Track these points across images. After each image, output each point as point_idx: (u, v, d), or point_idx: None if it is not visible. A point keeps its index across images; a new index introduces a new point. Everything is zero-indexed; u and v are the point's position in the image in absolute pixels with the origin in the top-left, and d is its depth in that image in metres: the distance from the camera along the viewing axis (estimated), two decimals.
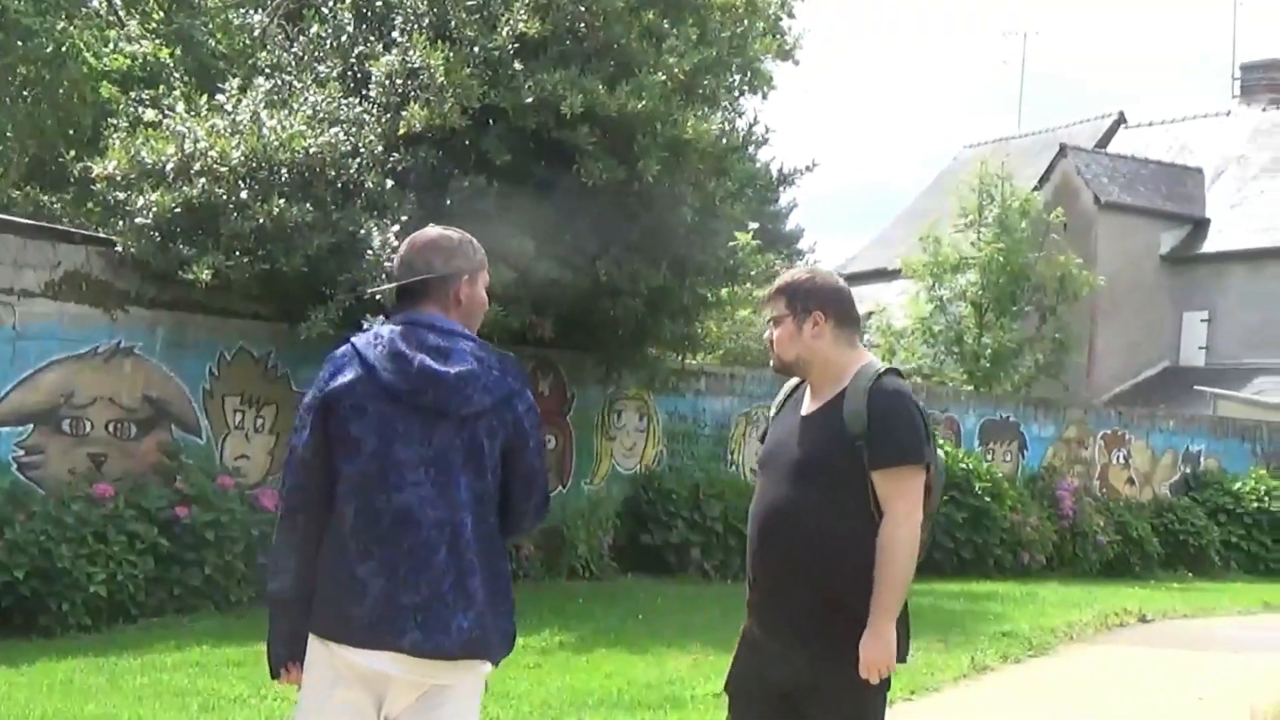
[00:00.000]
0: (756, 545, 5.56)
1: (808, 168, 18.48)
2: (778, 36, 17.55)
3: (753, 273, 19.12)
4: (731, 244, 18.37)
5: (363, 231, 15.14)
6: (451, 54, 15.45)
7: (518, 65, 15.65)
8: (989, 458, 24.08)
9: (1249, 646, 16.09)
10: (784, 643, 5.41)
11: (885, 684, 5.34)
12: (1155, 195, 37.72)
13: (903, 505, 5.26)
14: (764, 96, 18.04)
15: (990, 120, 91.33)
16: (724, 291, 19.30)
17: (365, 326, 5.24)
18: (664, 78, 15.80)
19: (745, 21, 17.21)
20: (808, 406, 5.60)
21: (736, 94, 17.75)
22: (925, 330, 29.42)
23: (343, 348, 4.95)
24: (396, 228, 15.13)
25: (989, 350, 28.63)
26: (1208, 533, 25.73)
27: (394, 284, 5.09)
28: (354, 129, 15.84)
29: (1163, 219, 37.56)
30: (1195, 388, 34.20)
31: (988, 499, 22.14)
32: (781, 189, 20.03)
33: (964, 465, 22.29)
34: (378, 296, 5.14)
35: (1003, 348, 28.51)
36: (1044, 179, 36.64)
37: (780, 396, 5.87)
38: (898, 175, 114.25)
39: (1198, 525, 25.72)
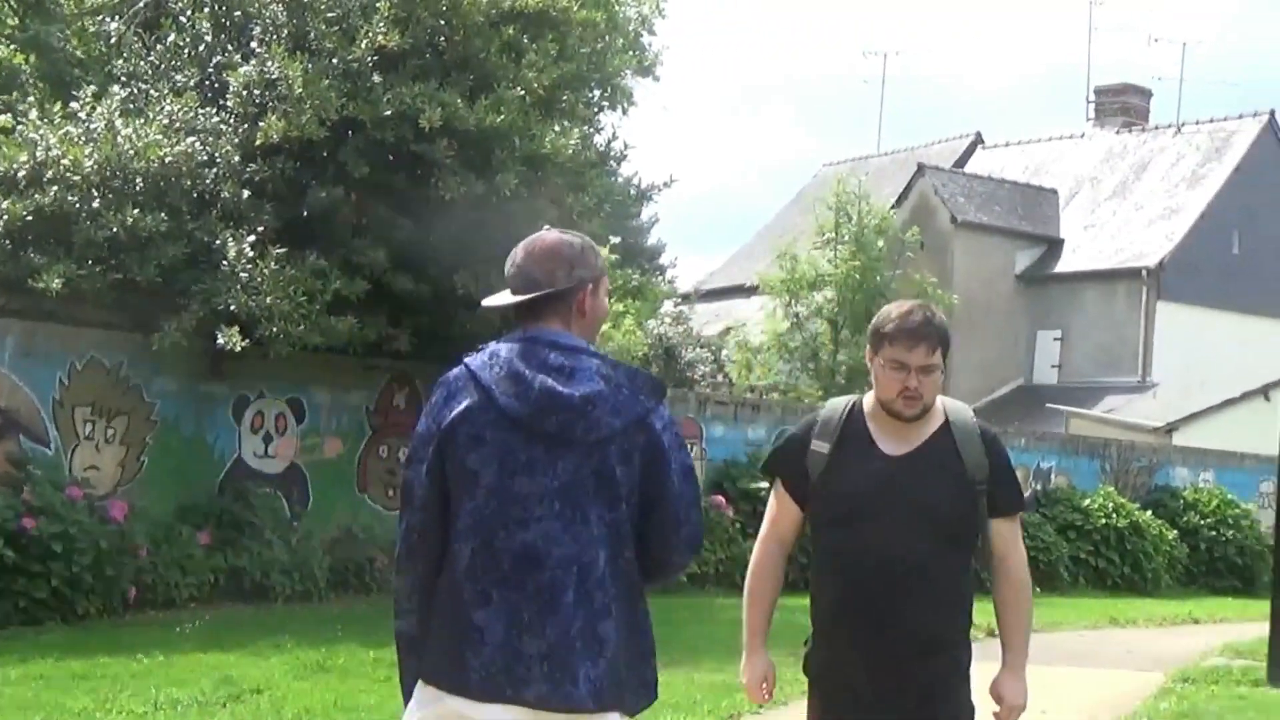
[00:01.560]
0: (862, 595, 5.12)
1: (666, 183, 18.63)
2: (638, 53, 17.65)
3: (613, 286, 19.16)
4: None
5: (218, 242, 15.06)
6: (310, 65, 15.42)
7: (376, 78, 15.66)
8: None
9: (1092, 660, 16.32)
10: (897, 691, 5.12)
11: None
12: (1011, 215, 38.34)
13: (1021, 550, 5.19)
14: (624, 112, 18.19)
15: (852, 139, 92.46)
16: None
17: (479, 346, 4.48)
18: (523, 92, 15.86)
19: (606, 38, 17.32)
20: (897, 447, 5.19)
21: (596, 110, 17.82)
22: (781, 346, 29.66)
23: (455, 370, 4.47)
24: (252, 238, 15.07)
25: (844, 367, 28.91)
26: (1057, 549, 26.03)
27: (515, 299, 4.52)
28: (210, 139, 15.76)
29: (1018, 239, 38.21)
30: (1048, 405, 34.73)
31: None
32: (642, 204, 20.11)
33: None
34: (489, 310, 4.71)
35: (858, 364, 28.75)
36: (902, 198, 37.15)
37: (829, 430, 5.31)
38: (760, 192, 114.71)
39: (1047, 541, 26.01)
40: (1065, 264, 38.15)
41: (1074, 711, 12.34)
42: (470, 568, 4.33)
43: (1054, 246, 38.58)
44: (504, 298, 4.53)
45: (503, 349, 4.42)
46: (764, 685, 5.51)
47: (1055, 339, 37.82)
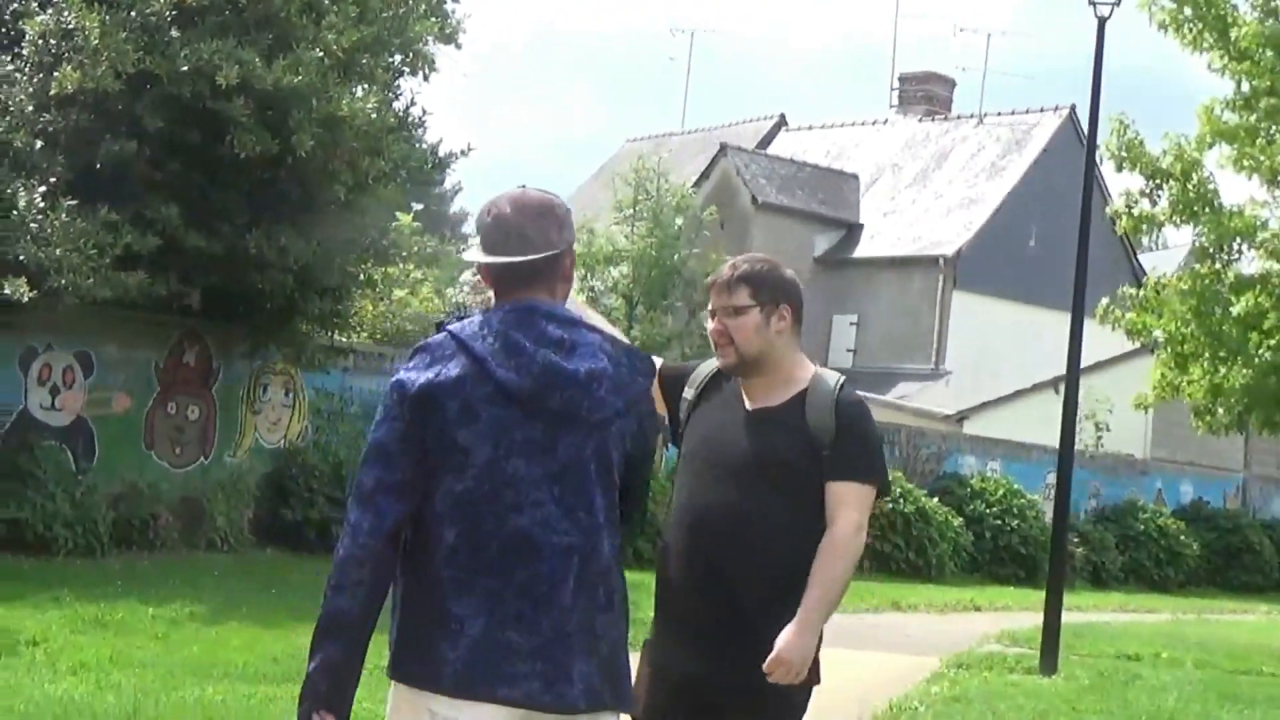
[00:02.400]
0: (695, 543, 5.06)
1: (463, 151, 18.64)
2: (440, 19, 17.67)
3: (410, 252, 19.24)
4: (393, 224, 18.42)
5: (8, 191, 14.89)
6: (107, 17, 15.26)
7: (175, 32, 15.57)
8: None
9: (870, 643, 16.55)
10: (721, 643, 5.04)
11: (807, 690, 5.13)
12: (811, 199, 38.76)
13: (857, 517, 5.00)
14: (425, 78, 18.14)
15: (657, 116, 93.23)
16: (380, 271, 19.36)
17: (459, 314, 4.08)
18: (322, 54, 15.86)
19: (408, 2, 17.32)
20: (752, 404, 5.16)
21: (396, 74, 17.84)
22: None
23: (437, 336, 4.08)
24: (44, 188, 14.94)
25: (638, 342, 29.11)
26: None
27: (514, 259, 4.13)
28: (4, 87, 15.57)
29: (817, 222, 38.61)
30: None
31: None
32: (442, 172, 20.15)
33: None
34: (471, 269, 4.21)
35: (652, 341, 29.01)
36: (704, 176, 37.41)
37: (698, 381, 5.30)
38: (564, 165, 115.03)
39: None
40: (864, 249, 38.59)
41: (846, 694, 12.57)
42: (452, 553, 3.98)
43: (853, 231, 39.05)
44: (478, 255, 4.17)
45: (493, 318, 4.05)
46: None
47: (851, 324, 38.25)
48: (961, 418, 33.57)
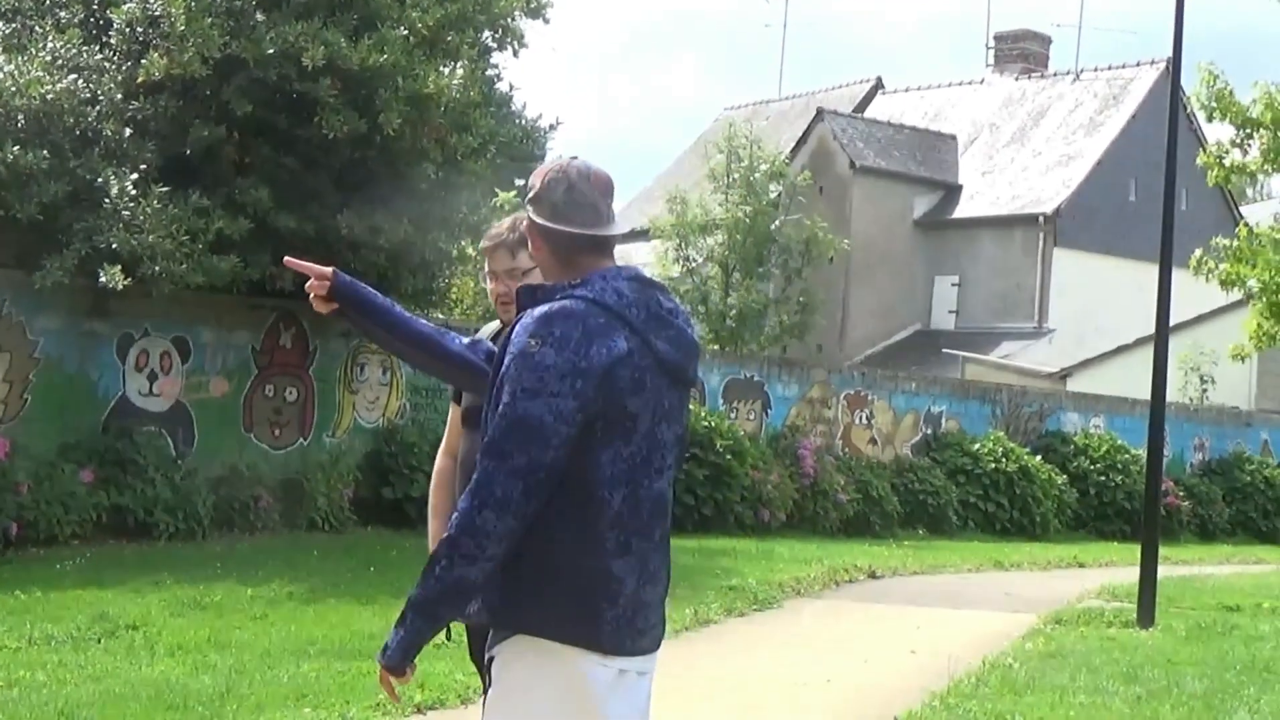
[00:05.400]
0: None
1: (553, 126, 18.63)
2: None
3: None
4: (493, 200, 18.44)
5: (100, 180, 15.03)
6: (193, 3, 15.39)
7: (260, 16, 15.68)
8: (733, 416, 24.44)
9: (968, 603, 16.60)
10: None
11: None
12: (910, 161, 38.56)
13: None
14: (514, 53, 18.14)
15: (754, 83, 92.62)
16: (472, 247, 19.39)
17: (594, 276, 4.15)
18: (407, 32, 15.90)
19: None
20: None
21: (484, 50, 17.83)
22: (672, 290, 29.76)
23: (578, 305, 4.10)
24: (135, 176, 15.06)
25: (734, 311, 29.13)
26: (946, 492, 26.36)
27: (603, 232, 4.26)
28: (93, 76, 15.73)
29: (916, 184, 38.43)
30: (944, 350, 35.07)
31: (729, 457, 22.47)
32: (532, 146, 20.14)
33: (706, 424, 22.61)
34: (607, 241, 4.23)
35: (748, 308, 28.98)
36: (801, 142, 37.35)
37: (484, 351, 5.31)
38: (664, 137, 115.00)
39: (936, 485, 26.35)
40: (963, 210, 38.41)
41: (941, 652, 12.56)
42: (617, 516, 4.10)
43: (952, 192, 38.84)
44: (567, 225, 4.21)
45: (623, 287, 4.16)
46: None
47: (953, 284, 38.08)
48: (1064, 375, 33.42)
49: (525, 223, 4.69)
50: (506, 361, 4.06)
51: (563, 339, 4.02)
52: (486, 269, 5.37)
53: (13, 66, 15.31)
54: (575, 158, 4.37)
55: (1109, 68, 40.16)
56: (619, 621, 4.09)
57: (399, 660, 4.08)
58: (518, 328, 4.09)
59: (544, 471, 3.99)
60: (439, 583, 3.98)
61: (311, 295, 4.45)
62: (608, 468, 4.08)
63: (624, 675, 4.16)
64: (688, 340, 4.25)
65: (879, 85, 44.41)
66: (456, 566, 3.97)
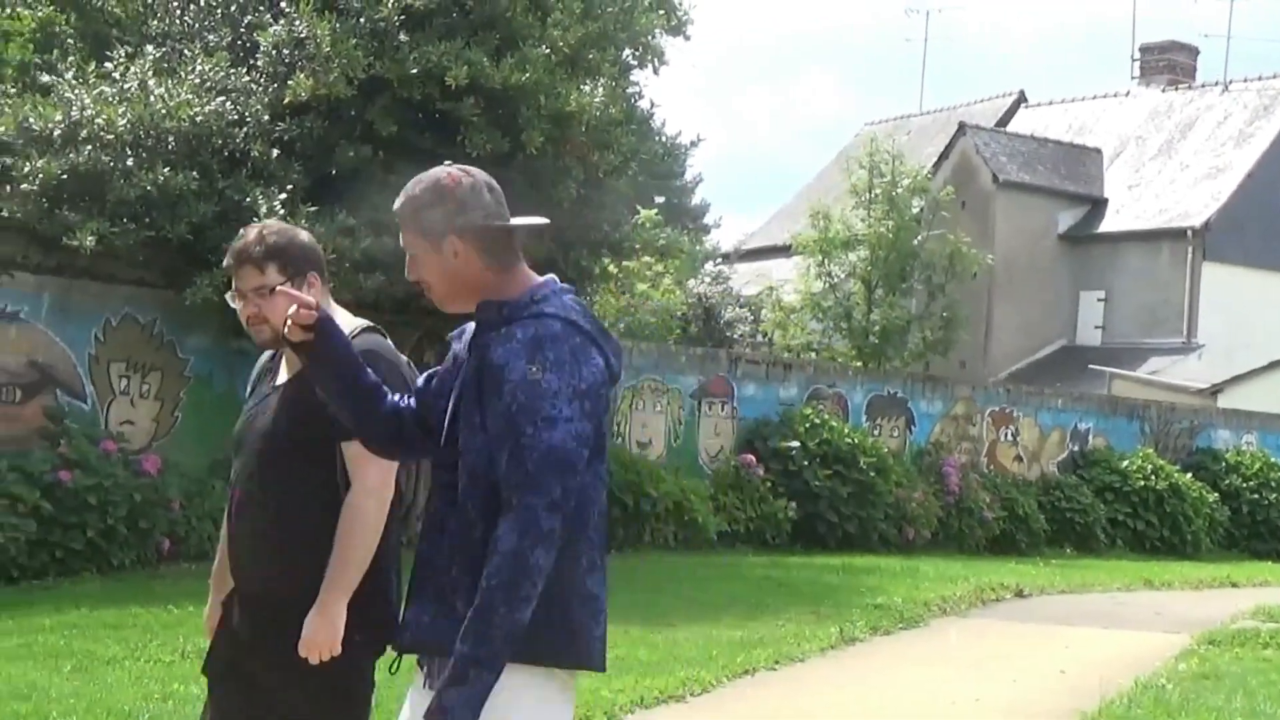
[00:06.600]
0: (234, 520, 5.05)
1: (694, 142, 18.68)
2: (667, 11, 17.69)
3: (645, 244, 19.27)
4: (635, 218, 18.48)
5: (248, 200, 15.22)
6: (338, 24, 15.60)
7: (403, 36, 15.85)
8: (876, 433, 24.30)
9: (1118, 622, 16.34)
10: (250, 622, 4.99)
11: (331, 672, 4.80)
12: (1054, 175, 38.15)
13: (375, 473, 4.82)
14: (655, 71, 18.20)
15: (895, 97, 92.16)
16: (617, 264, 19.46)
17: (547, 293, 4.10)
18: (548, 50, 15.99)
19: None
20: (283, 376, 5.07)
21: (624, 68, 17.90)
22: (815, 306, 29.69)
23: (559, 327, 4.01)
24: (283, 196, 15.26)
25: (877, 327, 28.96)
26: (1094, 510, 26.04)
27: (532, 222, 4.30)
28: (241, 98, 15.95)
29: (1061, 198, 37.98)
30: (1090, 367, 34.65)
31: (873, 474, 22.34)
32: (672, 163, 20.19)
33: (850, 440, 22.51)
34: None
35: (891, 325, 28.80)
36: (943, 157, 37.07)
37: (255, 373, 5.28)
38: (804, 153, 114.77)
39: (1084, 503, 26.03)
40: (1109, 224, 37.89)
41: (1091, 672, 12.40)
42: (591, 535, 4.03)
43: (1098, 206, 38.34)
44: (524, 218, 4.25)
45: (573, 301, 4.13)
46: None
47: (1099, 299, 37.59)
48: (1215, 391, 32.85)
49: (257, 238, 4.91)
50: (509, 391, 3.92)
51: (557, 362, 3.94)
52: (234, 287, 5.05)
53: (163, 90, 15.58)
54: (449, 163, 4.31)
55: (1259, 78, 39.48)
56: (603, 639, 4.06)
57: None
58: (502, 351, 3.95)
59: (574, 499, 3.90)
60: (500, 629, 3.80)
61: (289, 323, 4.18)
62: (590, 488, 4.00)
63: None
64: (619, 348, 4.17)
65: (1022, 98, 43.95)
66: (516, 610, 3.81)
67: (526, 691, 3.95)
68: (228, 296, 5.01)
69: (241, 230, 5.08)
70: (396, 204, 4.20)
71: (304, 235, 5.12)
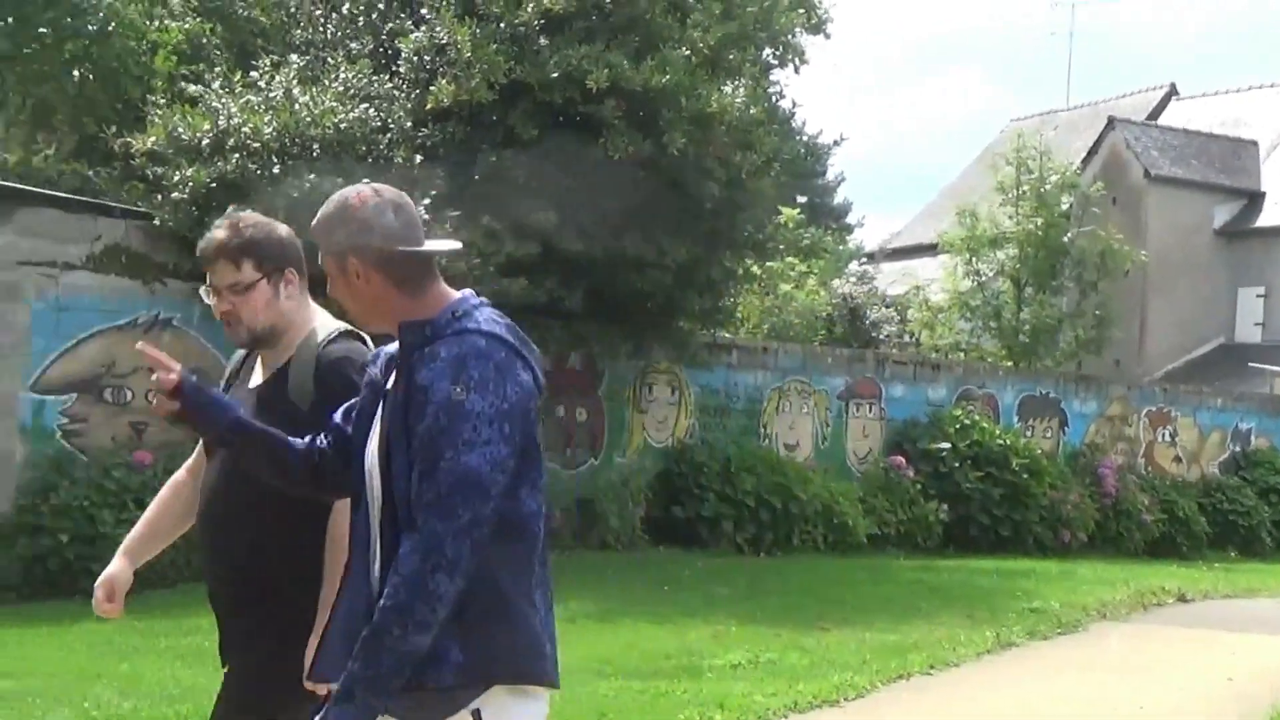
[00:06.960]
0: (201, 530, 4.92)
1: (836, 141, 18.55)
2: (807, 10, 17.56)
3: (788, 244, 19.13)
4: (776, 218, 18.35)
5: None
6: (478, 30, 15.66)
7: (543, 41, 15.88)
8: (1028, 434, 23.98)
9: None
10: (226, 630, 4.86)
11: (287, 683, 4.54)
12: (1208, 168, 37.42)
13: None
14: (795, 70, 18.10)
15: (1040, 93, 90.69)
16: (761, 265, 19.33)
17: (468, 308, 3.94)
18: (688, 52, 15.94)
19: None
20: (257, 378, 4.86)
21: (765, 68, 17.81)
22: (962, 305, 29.31)
23: (483, 343, 3.87)
24: (427, 201, 15.27)
25: (1028, 326, 28.52)
26: (1258, 513, 25.52)
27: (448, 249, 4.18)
28: (384, 105, 16.03)
29: (1216, 192, 37.25)
30: (1251, 365, 33.94)
31: (1026, 476, 22.02)
32: (814, 162, 20.07)
33: (1001, 441, 22.22)
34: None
35: (1042, 323, 28.34)
36: (1092, 152, 36.46)
37: (228, 371, 5.06)
38: (947, 150, 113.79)
39: (1247, 505, 25.52)
40: (1267, 217, 37.09)
41: (1260, 680, 12.10)
42: (543, 549, 3.95)
43: (1255, 200, 37.56)
44: (441, 244, 4.13)
45: (493, 314, 4.00)
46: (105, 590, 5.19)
47: (1258, 295, 36.82)
48: None
49: (231, 231, 4.65)
50: (431, 413, 3.78)
51: (481, 381, 3.80)
52: (208, 282, 4.79)
53: (308, 98, 15.70)
54: (367, 182, 4.15)
55: None
56: (555, 655, 3.94)
57: None
58: (426, 373, 3.81)
59: (487, 525, 3.76)
60: (391, 654, 3.69)
61: (153, 390, 4.05)
62: (529, 502, 3.88)
63: None
64: (540, 357, 4.02)
65: (1173, 91, 43.17)
66: (411, 635, 3.70)
67: (510, 711, 3.87)
68: (201, 291, 4.79)
69: (217, 221, 4.81)
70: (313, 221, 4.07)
71: (283, 229, 4.81)
